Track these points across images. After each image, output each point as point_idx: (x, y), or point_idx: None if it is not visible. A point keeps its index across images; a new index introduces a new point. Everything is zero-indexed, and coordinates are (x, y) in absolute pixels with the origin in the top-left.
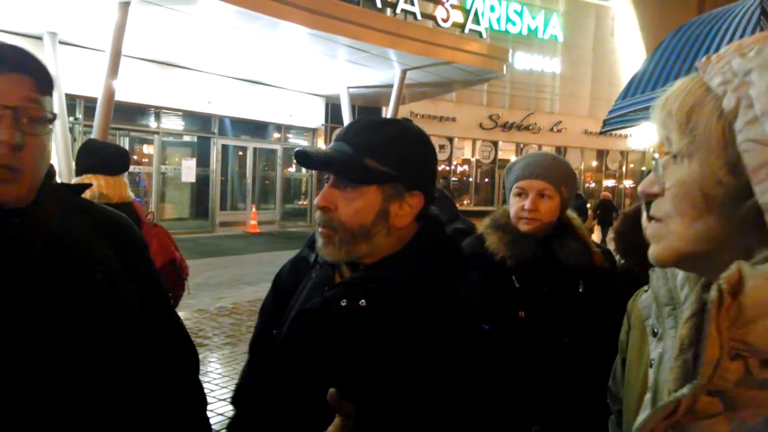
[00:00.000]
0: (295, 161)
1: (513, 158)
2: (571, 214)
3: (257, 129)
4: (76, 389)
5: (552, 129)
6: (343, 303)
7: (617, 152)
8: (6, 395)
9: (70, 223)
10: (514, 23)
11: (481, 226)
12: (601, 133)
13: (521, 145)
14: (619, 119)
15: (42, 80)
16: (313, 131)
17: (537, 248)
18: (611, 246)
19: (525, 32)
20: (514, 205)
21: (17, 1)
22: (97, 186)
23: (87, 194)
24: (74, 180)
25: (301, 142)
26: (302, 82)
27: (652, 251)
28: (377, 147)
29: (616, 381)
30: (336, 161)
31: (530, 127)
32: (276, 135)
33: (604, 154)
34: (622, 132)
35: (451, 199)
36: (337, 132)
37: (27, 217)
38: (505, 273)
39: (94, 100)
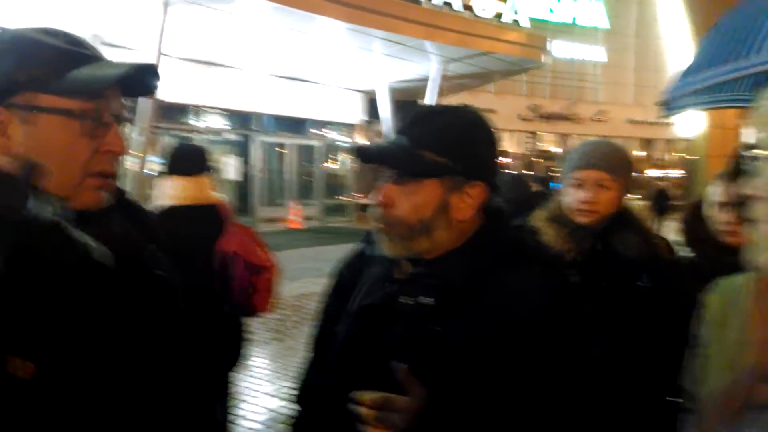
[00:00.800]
0: (353, 156)
1: (553, 149)
2: (631, 203)
3: (297, 125)
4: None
5: (595, 118)
6: (403, 299)
7: (662, 141)
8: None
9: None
10: (553, 11)
11: (536, 219)
12: (665, 115)
13: (563, 136)
14: (681, 102)
15: (128, 84)
16: (352, 126)
17: (595, 240)
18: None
19: (566, 20)
20: (570, 196)
21: (63, 4)
22: (172, 188)
23: (165, 197)
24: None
25: (340, 138)
26: (340, 78)
27: (763, 260)
28: (433, 138)
29: (693, 377)
30: (393, 156)
31: (572, 117)
32: (315, 131)
33: (649, 143)
34: (668, 120)
35: (526, 185)
36: (372, 126)
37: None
38: (563, 267)
39: (136, 100)
